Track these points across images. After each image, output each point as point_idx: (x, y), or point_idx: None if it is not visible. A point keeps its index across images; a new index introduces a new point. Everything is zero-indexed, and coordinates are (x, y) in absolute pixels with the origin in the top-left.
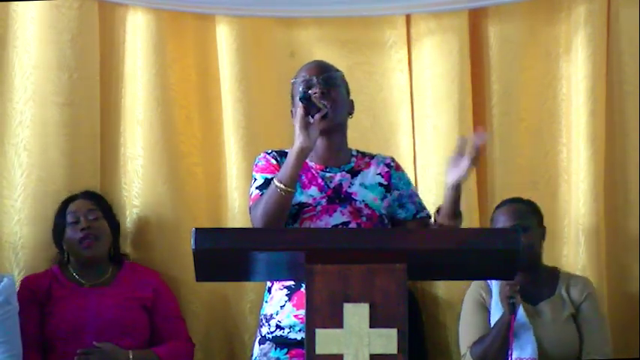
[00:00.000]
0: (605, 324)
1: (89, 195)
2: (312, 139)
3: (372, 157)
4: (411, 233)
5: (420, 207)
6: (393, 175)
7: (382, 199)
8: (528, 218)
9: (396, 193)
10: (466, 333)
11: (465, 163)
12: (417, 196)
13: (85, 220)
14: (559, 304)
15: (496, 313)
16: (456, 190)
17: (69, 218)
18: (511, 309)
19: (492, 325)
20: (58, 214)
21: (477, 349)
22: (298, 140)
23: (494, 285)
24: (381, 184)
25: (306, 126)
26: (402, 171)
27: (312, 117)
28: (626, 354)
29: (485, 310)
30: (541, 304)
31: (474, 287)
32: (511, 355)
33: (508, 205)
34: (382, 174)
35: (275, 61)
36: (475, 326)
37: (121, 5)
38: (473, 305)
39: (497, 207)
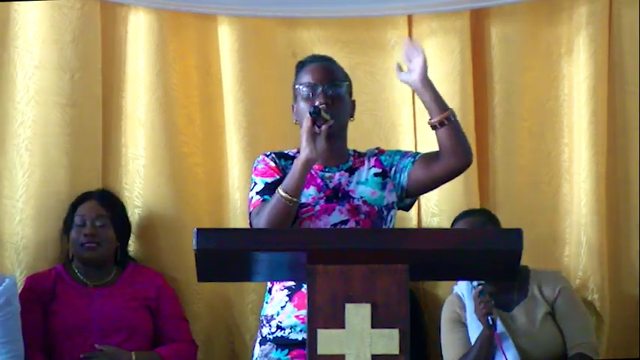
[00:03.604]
0: (585, 314)
1: (102, 197)
2: (318, 150)
3: (364, 154)
4: (413, 234)
5: (415, 152)
6: (382, 160)
7: (383, 189)
8: (487, 227)
9: (393, 169)
10: (448, 351)
11: (417, 60)
12: (408, 151)
13: (90, 226)
14: (533, 305)
15: (473, 326)
16: (423, 86)
17: (76, 220)
18: (490, 325)
19: (471, 338)
20: (69, 211)
21: None
22: (304, 151)
23: (467, 299)
24: (376, 174)
25: (313, 137)
26: (387, 150)
27: (319, 127)
28: (626, 354)
29: (463, 325)
30: (515, 309)
31: (448, 305)
32: None
33: (465, 217)
34: (374, 165)
35: (277, 62)
36: (455, 343)
37: (123, 5)
38: (450, 323)
39: (455, 221)
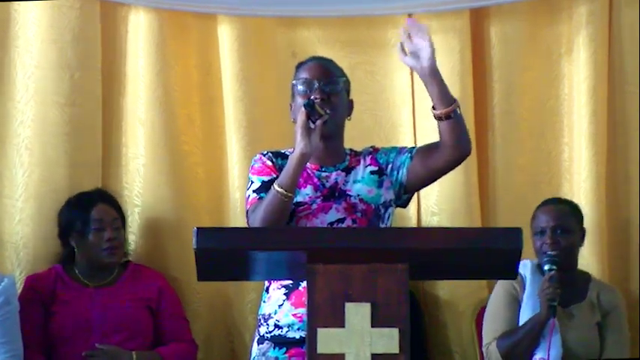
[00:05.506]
0: (627, 338)
1: (108, 199)
2: (313, 145)
3: (359, 153)
4: (412, 233)
5: (411, 147)
6: (378, 158)
7: (380, 186)
8: (570, 219)
9: (389, 166)
10: (493, 323)
11: (425, 47)
12: (403, 147)
13: (111, 230)
14: (588, 310)
15: (527, 309)
16: (431, 76)
17: (93, 224)
18: (551, 312)
19: (521, 319)
20: (77, 213)
21: (505, 342)
22: (299, 146)
23: (529, 280)
24: (373, 172)
25: (307, 132)
26: (381, 148)
27: (314, 122)
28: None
29: (517, 303)
30: (572, 307)
31: (507, 280)
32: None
33: (550, 204)
34: (370, 163)
35: (276, 61)
36: (504, 318)
37: (123, 5)
38: (505, 296)
39: (539, 206)
